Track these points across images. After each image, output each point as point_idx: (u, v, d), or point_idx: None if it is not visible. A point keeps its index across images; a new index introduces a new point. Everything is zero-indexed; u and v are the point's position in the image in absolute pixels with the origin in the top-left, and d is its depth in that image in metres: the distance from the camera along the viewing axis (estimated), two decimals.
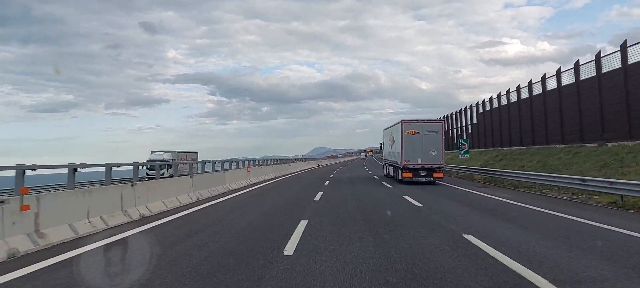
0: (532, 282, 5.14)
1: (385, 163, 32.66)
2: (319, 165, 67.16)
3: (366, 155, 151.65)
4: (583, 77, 26.20)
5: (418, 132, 23.36)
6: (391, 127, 28.01)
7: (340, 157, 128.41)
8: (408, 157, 23.26)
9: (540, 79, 31.57)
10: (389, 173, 30.47)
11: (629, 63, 21.94)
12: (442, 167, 23.32)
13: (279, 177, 34.07)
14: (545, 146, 29.82)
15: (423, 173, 23.24)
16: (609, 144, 22.45)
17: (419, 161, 23.16)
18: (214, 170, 24.03)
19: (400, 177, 23.73)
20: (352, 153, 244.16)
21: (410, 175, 23.26)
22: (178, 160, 48.17)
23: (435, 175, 23.17)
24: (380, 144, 35.83)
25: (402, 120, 23.58)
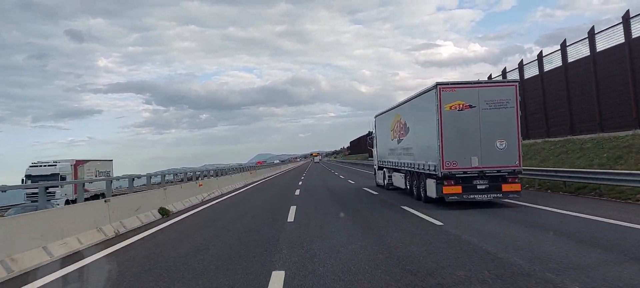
0: None
1: (380, 169, 20.79)
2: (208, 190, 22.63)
3: (319, 159, 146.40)
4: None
5: (471, 106, 11.85)
6: (403, 103, 16.41)
7: (277, 162, 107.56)
8: (452, 156, 11.87)
9: None
10: (390, 184, 18.89)
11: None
12: (520, 172, 11.93)
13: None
14: None
15: (483, 184, 11.99)
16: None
17: (475, 162, 11.66)
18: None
19: (433, 194, 13.10)
20: (297, 158, 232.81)
21: (459, 189, 11.97)
22: (84, 174, 34.23)
23: (505, 187, 12.00)
24: (369, 137, 23.98)
25: (437, 83, 12.13)
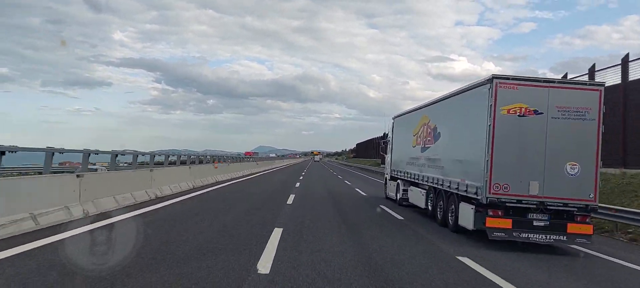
0: None
1: (393, 180, 17.43)
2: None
3: (319, 158, 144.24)
4: None
5: (536, 112, 8.45)
6: (435, 102, 13.00)
7: (273, 156, 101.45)
8: (504, 177, 8.47)
9: None
10: (404, 199, 15.62)
11: None
12: (595, 209, 8.54)
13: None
14: None
15: (542, 220, 8.54)
16: None
17: (535, 189, 8.23)
18: None
19: (469, 225, 9.90)
20: (297, 154, 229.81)
21: (508, 223, 8.49)
22: None
23: (572, 228, 8.63)
24: (383, 141, 20.65)
25: (493, 77, 8.71)
